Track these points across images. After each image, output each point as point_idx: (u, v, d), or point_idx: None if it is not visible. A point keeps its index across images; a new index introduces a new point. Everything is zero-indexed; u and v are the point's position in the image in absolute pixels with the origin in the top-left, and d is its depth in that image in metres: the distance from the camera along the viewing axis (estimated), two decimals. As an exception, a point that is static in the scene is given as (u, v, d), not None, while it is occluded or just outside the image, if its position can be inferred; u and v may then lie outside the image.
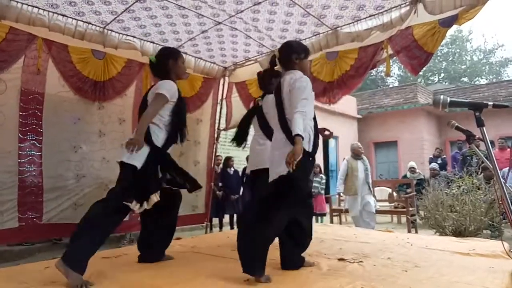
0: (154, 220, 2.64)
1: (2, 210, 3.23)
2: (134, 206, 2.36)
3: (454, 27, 3.23)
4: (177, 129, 2.59)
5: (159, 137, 2.51)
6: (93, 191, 3.78)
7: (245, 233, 2.19)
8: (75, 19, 3.44)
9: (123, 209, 2.36)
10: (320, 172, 7.78)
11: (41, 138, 3.54)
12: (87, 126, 3.90)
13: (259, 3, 3.32)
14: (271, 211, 2.18)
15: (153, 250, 2.66)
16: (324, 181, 7.65)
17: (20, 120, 3.41)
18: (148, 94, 2.62)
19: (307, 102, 2.23)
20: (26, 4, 3.13)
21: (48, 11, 3.26)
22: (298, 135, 2.08)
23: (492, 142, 7.57)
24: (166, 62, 2.64)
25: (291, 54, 2.43)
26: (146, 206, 2.41)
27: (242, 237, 2.16)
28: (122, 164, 2.44)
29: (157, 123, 2.51)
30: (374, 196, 5.94)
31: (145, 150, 2.44)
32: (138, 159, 2.41)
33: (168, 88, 2.51)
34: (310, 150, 2.26)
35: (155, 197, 2.45)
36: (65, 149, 3.72)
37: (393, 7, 3.31)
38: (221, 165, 6.61)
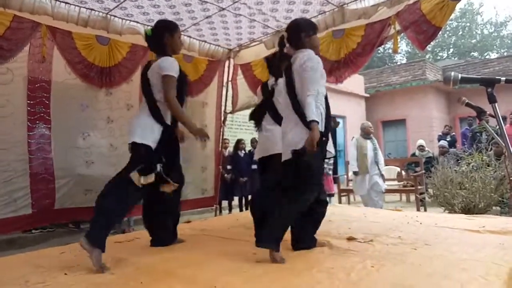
0: (158, 205, 2.64)
1: (15, 198, 3.30)
2: (135, 177, 2.35)
3: (464, 0, 3.13)
4: (181, 103, 2.55)
5: (167, 115, 2.52)
6: (102, 177, 3.81)
7: (269, 209, 2.23)
8: (78, 6, 3.41)
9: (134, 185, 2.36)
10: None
11: (49, 126, 3.57)
12: (95, 113, 3.92)
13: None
14: (298, 191, 2.21)
15: (162, 234, 2.68)
16: (332, 161, 7.64)
17: (28, 108, 3.44)
18: (148, 72, 2.54)
19: (318, 82, 2.21)
20: (28, -8, 3.10)
21: (51, -2, 3.23)
22: (313, 120, 2.09)
23: (504, 118, 7.44)
24: (162, 35, 2.55)
25: (300, 32, 2.38)
26: (142, 181, 2.37)
27: (263, 213, 2.20)
28: (135, 145, 2.43)
29: (163, 101, 2.49)
30: (382, 175, 5.92)
31: (158, 129, 2.45)
32: (151, 138, 2.41)
33: (172, 67, 2.45)
34: (322, 130, 2.24)
35: (152, 177, 2.41)
36: (74, 136, 3.76)
37: (400, -19, 3.22)
38: (229, 149, 6.63)
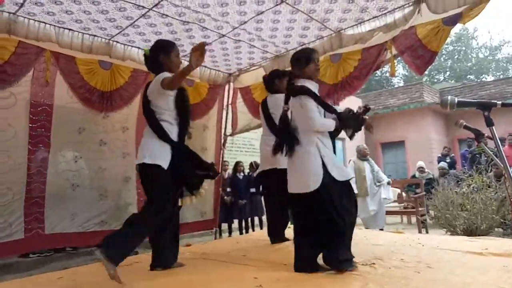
0: (160, 227, 2.61)
1: (10, 222, 3.30)
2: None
3: (459, 25, 3.22)
4: (185, 119, 2.60)
5: (173, 132, 2.54)
6: (86, 200, 3.84)
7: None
8: (81, 32, 3.49)
9: (164, 209, 2.42)
10: None
11: (49, 149, 3.60)
12: (90, 136, 3.95)
13: (262, 12, 3.35)
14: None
15: (166, 254, 2.65)
16: None
17: (30, 132, 3.47)
18: (147, 93, 2.58)
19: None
20: (33, 20, 3.19)
21: (55, 26, 3.32)
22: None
23: (502, 140, 7.50)
24: (157, 55, 2.59)
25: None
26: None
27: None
28: (145, 166, 2.44)
29: (167, 120, 2.53)
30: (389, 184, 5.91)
31: (167, 149, 2.48)
32: (162, 158, 2.44)
33: (166, 76, 2.46)
34: None
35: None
36: (68, 159, 3.78)
37: (396, 8, 3.31)
38: (229, 171, 6.62)
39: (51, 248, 4.41)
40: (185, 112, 2.61)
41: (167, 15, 3.30)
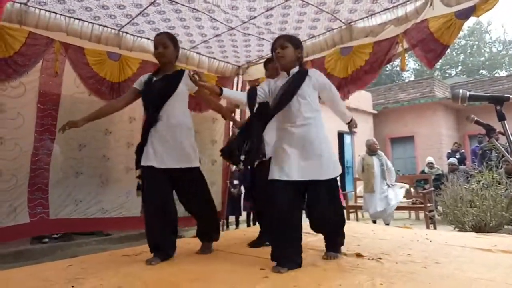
0: (164, 216, 2.64)
1: (15, 206, 3.39)
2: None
3: (472, 19, 3.16)
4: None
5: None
6: (88, 187, 3.92)
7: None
8: (91, 22, 3.50)
9: None
10: None
11: (54, 137, 3.66)
12: (95, 125, 3.94)
13: (272, 8, 3.32)
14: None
15: (168, 244, 2.66)
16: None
17: (37, 121, 3.54)
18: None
19: None
20: (44, 10, 3.21)
21: (65, 15, 3.34)
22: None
23: (513, 135, 7.37)
24: None
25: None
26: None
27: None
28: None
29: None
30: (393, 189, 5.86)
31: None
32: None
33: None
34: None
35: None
36: (72, 148, 3.84)
37: (408, 0, 3.26)
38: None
39: (57, 232, 4.50)
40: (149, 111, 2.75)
41: (176, 2, 3.28)
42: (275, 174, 2.32)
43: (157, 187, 2.58)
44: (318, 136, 2.36)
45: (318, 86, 2.45)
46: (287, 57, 2.40)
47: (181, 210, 2.97)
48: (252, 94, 2.38)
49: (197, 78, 2.30)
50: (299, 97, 2.35)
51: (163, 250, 2.60)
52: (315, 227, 2.52)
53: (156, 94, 2.63)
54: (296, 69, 2.44)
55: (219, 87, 2.31)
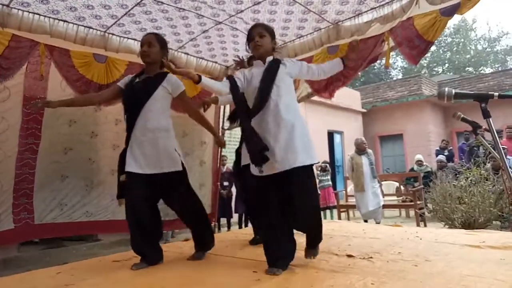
0: (151, 222, 2.60)
1: (0, 212, 3.31)
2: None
3: (457, 17, 3.19)
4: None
5: None
6: (74, 191, 3.85)
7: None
8: (76, 24, 3.45)
9: None
10: (327, 170, 7.76)
11: (38, 141, 3.58)
12: (81, 128, 3.92)
13: (259, 3, 3.31)
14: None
15: (155, 251, 2.64)
16: (329, 172, 7.66)
17: (22, 125, 3.46)
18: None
19: None
20: (27, 12, 3.14)
21: (49, 17, 3.27)
22: None
23: (500, 132, 7.49)
24: None
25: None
26: None
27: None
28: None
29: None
30: (381, 190, 5.91)
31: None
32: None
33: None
34: None
35: None
36: (57, 151, 3.75)
37: (394, -1, 3.28)
38: (228, 165, 6.60)
39: (41, 238, 4.43)
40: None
41: (162, 2, 3.25)
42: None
43: (136, 193, 2.51)
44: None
45: (294, 70, 2.45)
46: (265, 46, 2.40)
47: (172, 212, 2.96)
48: (234, 82, 2.36)
49: (172, 66, 2.28)
50: (275, 84, 2.32)
51: (149, 256, 2.57)
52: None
53: (135, 96, 2.58)
54: (270, 57, 2.44)
55: (197, 75, 2.25)
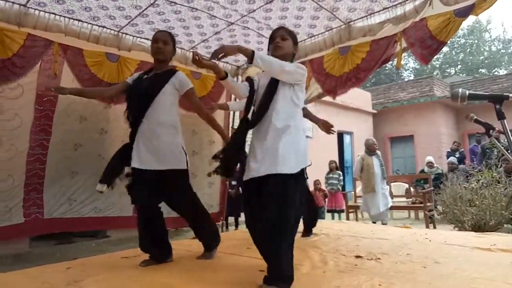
0: (153, 221, 2.61)
1: (11, 207, 3.39)
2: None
3: (472, 18, 3.16)
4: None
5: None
6: (83, 187, 3.90)
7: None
8: (90, 23, 3.50)
9: None
10: (337, 168, 7.71)
11: (49, 137, 3.65)
12: (91, 125, 3.98)
13: (271, 1, 3.31)
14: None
15: (163, 249, 2.66)
16: (341, 177, 7.59)
17: (34, 121, 3.54)
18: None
19: None
20: (44, 11, 3.21)
21: (64, 16, 3.34)
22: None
23: (513, 134, 7.35)
24: None
25: None
26: None
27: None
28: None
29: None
30: (390, 191, 5.88)
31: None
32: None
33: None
34: None
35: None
36: (67, 148, 3.82)
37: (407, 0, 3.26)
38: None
39: (51, 232, 4.49)
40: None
41: (175, 3, 3.29)
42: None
43: (140, 189, 2.52)
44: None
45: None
46: (286, 49, 2.30)
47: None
48: (253, 84, 2.29)
49: (200, 57, 2.20)
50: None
51: (157, 255, 2.60)
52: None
53: (143, 92, 2.58)
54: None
55: (224, 71, 2.21)
